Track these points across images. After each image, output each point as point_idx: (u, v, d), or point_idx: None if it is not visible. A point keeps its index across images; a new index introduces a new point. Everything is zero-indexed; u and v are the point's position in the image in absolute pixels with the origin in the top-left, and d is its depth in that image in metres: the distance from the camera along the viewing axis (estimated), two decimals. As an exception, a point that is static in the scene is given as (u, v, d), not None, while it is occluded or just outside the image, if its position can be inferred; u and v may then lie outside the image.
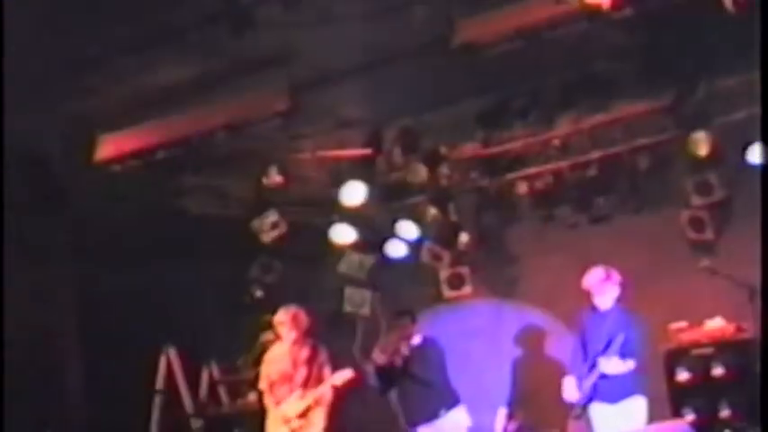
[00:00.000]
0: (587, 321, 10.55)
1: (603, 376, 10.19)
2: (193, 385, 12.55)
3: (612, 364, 10.02)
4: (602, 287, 10.41)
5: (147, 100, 11.08)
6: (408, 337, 11.06)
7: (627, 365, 10.01)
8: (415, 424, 10.89)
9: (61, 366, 12.78)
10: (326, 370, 10.57)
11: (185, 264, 12.25)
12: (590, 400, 10.35)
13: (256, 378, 11.00)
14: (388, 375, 10.84)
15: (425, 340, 11.18)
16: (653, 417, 10.24)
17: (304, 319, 10.65)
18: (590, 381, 10.26)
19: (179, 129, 11.54)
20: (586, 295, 10.60)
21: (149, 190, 12.01)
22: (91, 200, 12.24)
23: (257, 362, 11.11)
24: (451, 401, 10.99)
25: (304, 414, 10.52)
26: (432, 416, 10.90)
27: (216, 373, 12.67)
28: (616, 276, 10.44)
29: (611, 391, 10.24)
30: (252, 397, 11.89)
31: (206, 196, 12.27)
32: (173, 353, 12.49)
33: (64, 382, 12.74)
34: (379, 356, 11.17)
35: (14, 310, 12.01)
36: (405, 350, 10.93)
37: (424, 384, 10.78)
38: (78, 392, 12.77)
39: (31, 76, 10.08)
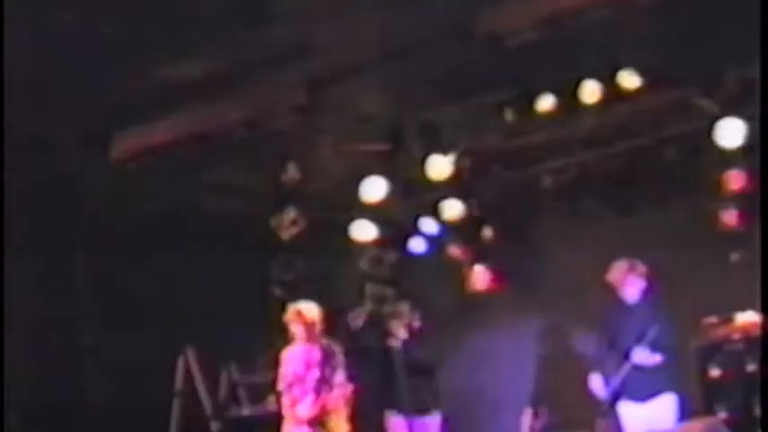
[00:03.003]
0: (614, 315, 10.48)
1: (632, 374, 10.06)
2: (212, 387, 12.45)
3: (644, 356, 9.88)
4: (626, 280, 10.35)
5: (164, 96, 11.01)
6: (408, 324, 10.85)
7: (655, 358, 9.94)
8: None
9: (79, 368, 12.72)
10: (340, 373, 10.39)
11: (203, 262, 12.14)
12: (618, 397, 10.23)
13: (276, 379, 10.89)
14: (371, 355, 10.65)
15: (426, 327, 10.99)
16: (685, 413, 10.15)
17: (309, 315, 10.49)
18: (618, 377, 10.13)
19: (196, 125, 11.48)
20: (612, 289, 10.49)
21: (167, 187, 11.96)
22: (108, 196, 12.20)
23: (275, 362, 10.98)
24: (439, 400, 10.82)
25: (319, 420, 10.36)
26: (423, 410, 10.72)
27: (235, 374, 12.56)
28: (641, 268, 10.35)
29: (639, 388, 10.12)
30: (272, 399, 11.77)
31: (224, 193, 12.22)
32: (191, 354, 12.39)
33: (82, 385, 12.69)
34: (354, 321, 10.91)
35: (31, 314, 12.00)
36: (403, 334, 10.69)
37: (420, 372, 10.60)
38: (97, 393, 12.71)
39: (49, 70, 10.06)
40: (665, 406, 10.13)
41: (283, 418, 10.64)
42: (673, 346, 10.05)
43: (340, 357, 10.41)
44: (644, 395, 10.17)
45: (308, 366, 10.45)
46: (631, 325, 10.22)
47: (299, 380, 10.48)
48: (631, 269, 10.37)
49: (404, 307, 10.90)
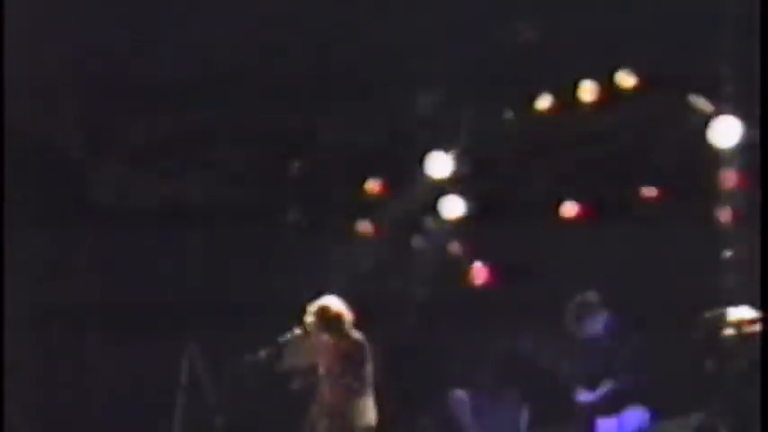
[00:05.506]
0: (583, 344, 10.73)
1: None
2: (216, 380, 12.50)
3: (586, 396, 10.35)
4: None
5: (168, 94, 11.13)
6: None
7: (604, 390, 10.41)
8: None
9: (84, 364, 12.80)
10: (365, 368, 10.31)
11: (208, 255, 12.29)
12: (597, 407, 10.47)
13: (290, 372, 10.90)
14: None
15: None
16: (680, 409, 10.24)
17: (333, 309, 10.45)
18: (598, 390, 10.37)
19: (200, 122, 11.59)
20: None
21: (170, 182, 12.05)
22: (112, 192, 12.28)
23: (280, 355, 11.03)
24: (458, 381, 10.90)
25: (338, 412, 10.34)
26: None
27: (239, 367, 12.59)
28: (591, 300, 10.51)
29: (611, 405, 10.45)
30: (276, 391, 11.80)
31: (228, 188, 12.27)
32: (196, 347, 12.46)
33: (87, 379, 12.76)
34: None
35: (33, 308, 12.09)
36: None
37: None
38: (101, 390, 12.79)
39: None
40: (634, 419, 10.45)
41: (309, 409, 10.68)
42: (640, 364, 10.38)
43: (366, 352, 10.40)
44: (615, 409, 10.48)
45: (334, 359, 10.36)
46: (591, 358, 10.54)
47: (328, 372, 10.43)
48: (582, 310, 10.66)
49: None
